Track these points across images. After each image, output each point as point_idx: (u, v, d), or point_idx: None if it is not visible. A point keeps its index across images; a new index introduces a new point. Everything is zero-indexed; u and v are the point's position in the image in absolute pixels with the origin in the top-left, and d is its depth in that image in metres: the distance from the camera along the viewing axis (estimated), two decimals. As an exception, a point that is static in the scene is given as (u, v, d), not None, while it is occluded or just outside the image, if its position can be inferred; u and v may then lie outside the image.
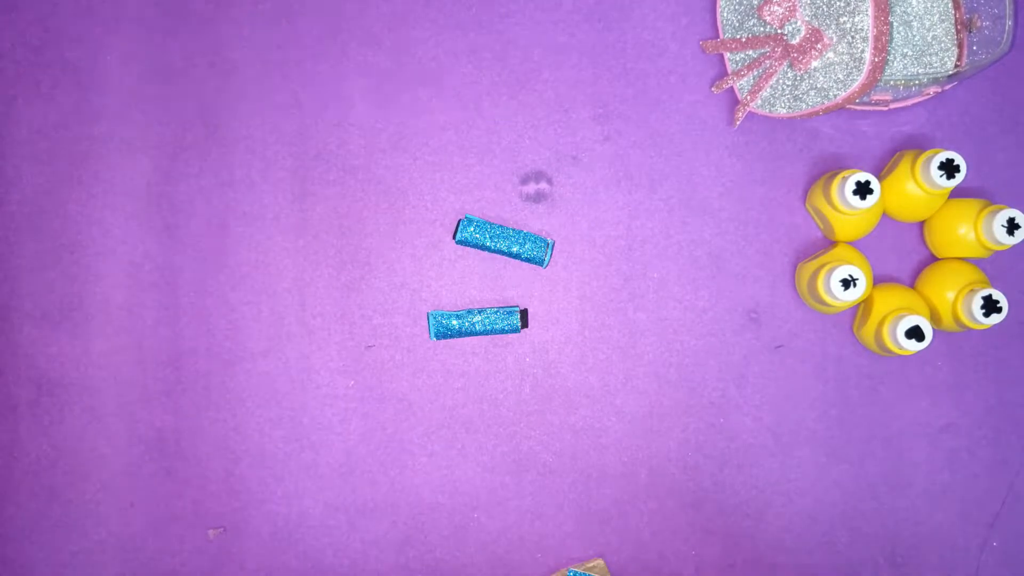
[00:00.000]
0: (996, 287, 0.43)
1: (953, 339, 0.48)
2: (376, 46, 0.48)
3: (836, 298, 0.43)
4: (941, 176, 0.42)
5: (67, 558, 0.46)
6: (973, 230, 0.44)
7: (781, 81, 0.46)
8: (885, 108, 0.47)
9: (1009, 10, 0.44)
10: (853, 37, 0.43)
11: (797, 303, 0.48)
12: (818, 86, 0.45)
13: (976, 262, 0.46)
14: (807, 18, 0.44)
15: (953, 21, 0.45)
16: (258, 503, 0.47)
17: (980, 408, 0.48)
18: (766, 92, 0.46)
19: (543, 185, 0.48)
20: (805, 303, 0.48)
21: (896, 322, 0.43)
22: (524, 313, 0.47)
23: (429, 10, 0.48)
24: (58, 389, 0.47)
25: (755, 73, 0.46)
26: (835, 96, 0.44)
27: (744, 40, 0.46)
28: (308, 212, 0.47)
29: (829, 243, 0.48)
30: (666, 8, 0.48)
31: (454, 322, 0.46)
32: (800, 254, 0.48)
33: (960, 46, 0.45)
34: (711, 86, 0.48)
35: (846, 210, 0.43)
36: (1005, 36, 0.44)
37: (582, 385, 0.48)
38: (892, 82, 0.45)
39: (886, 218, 0.47)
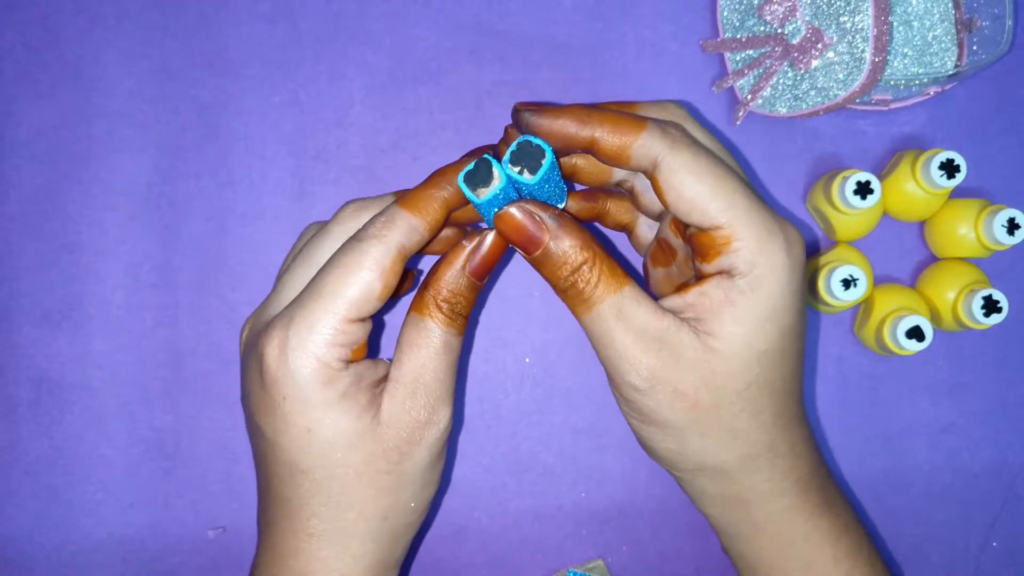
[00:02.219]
0: (996, 287, 0.43)
1: (953, 339, 0.48)
2: (376, 46, 0.48)
3: (836, 298, 0.43)
4: (941, 176, 0.42)
5: (67, 558, 0.46)
6: (973, 230, 0.44)
7: (782, 81, 0.46)
8: (885, 108, 0.47)
9: (1009, 10, 0.44)
10: (853, 37, 0.43)
11: (797, 303, 0.48)
12: (818, 86, 0.45)
13: (976, 262, 0.46)
14: (807, 18, 0.44)
15: (953, 21, 0.45)
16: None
17: (980, 408, 0.48)
18: (767, 92, 0.46)
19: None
20: (805, 303, 0.48)
21: (896, 322, 0.43)
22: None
23: (429, 10, 0.48)
24: (58, 389, 0.47)
25: (756, 73, 0.46)
26: (836, 96, 0.44)
27: (744, 40, 0.46)
28: (308, 212, 0.47)
29: (829, 243, 0.48)
30: (666, 8, 0.48)
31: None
32: (800, 254, 0.48)
33: (960, 46, 0.45)
34: (711, 86, 0.48)
35: (846, 210, 0.43)
36: (1005, 36, 0.44)
37: (582, 385, 0.48)
38: (892, 82, 0.45)
39: (886, 218, 0.47)
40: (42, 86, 0.47)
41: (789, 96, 0.46)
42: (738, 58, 0.47)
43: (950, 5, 0.45)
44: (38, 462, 0.47)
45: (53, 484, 0.47)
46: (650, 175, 0.31)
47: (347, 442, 0.32)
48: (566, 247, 0.31)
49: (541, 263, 0.32)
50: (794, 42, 0.45)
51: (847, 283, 0.43)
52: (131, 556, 0.47)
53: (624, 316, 0.31)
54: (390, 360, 0.35)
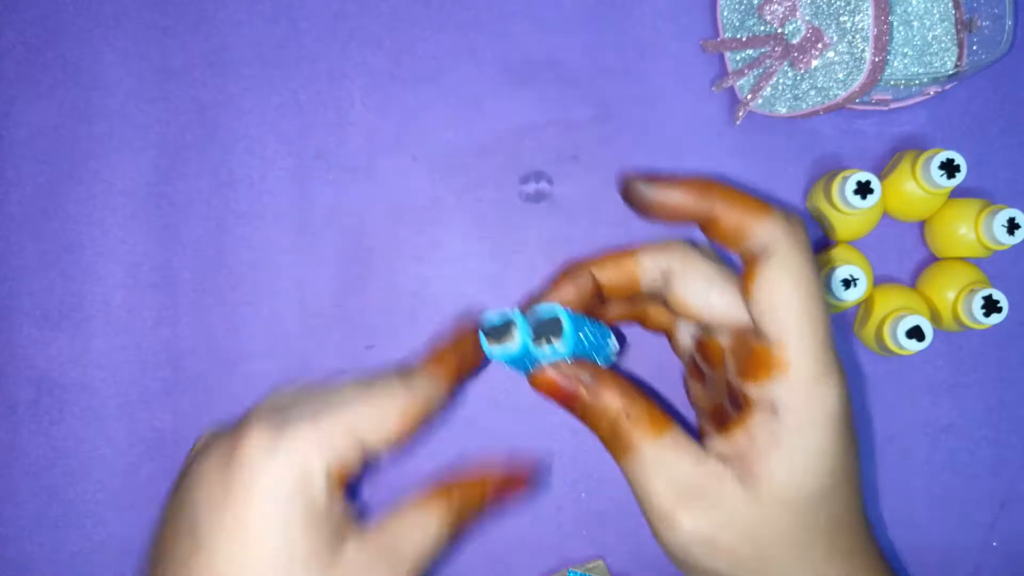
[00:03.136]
0: (996, 287, 0.43)
1: (953, 339, 0.48)
2: (376, 46, 0.48)
3: (836, 298, 0.43)
4: (941, 176, 0.42)
5: (67, 558, 0.46)
6: (973, 230, 0.44)
7: (781, 80, 0.46)
8: (885, 108, 0.47)
9: (1009, 10, 0.44)
10: (853, 36, 0.43)
11: (797, 303, 0.48)
12: (818, 86, 0.45)
13: (976, 262, 0.46)
14: (807, 18, 0.44)
15: (953, 21, 0.45)
16: (258, 503, 0.46)
17: (980, 408, 0.48)
18: (767, 91, 0.46)
19: (543, 185, 0.48)
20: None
21: (896, 322, 0.43)
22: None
23: (429, 10, 0.48)
24: (58, 389, 0.47)
25: (755, 72, 0.46)
26: (835, 96, 0.44)
27: (744, 39, 0.46)
28: (308, 212, 0.47)
29: (829, 243, 0.48)
30: (666, 8, 0.48)
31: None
32: (800, 254, 0.48)
33: (960, 46, 0.45)
34: (711, 86, 0.48)
35: (846, 210, 0.43)
36: (1005, 36, 0.44)
37: (582, 385, 0.48)
38: (892, 82, 0.45)
39: (886, 218, 0.47)
40: (42, 86, 0.47)
41: (789, 96, 0.46)
42: (738, 58, 0.47)
43: (950, 5, 0.45)
44: (38, 462, 0.47)
45: (53, 484, 0.47)
46: (749, 260, 0.30)
47: (290, 571, 0.28)
48: (605, 401, 0.31)
49: (581, 416, 0.32)
50: (794, 42, 0.45)
51: (847, 283, 0.43)
52: (131, 556, 0.47)
53: (662, 465, 0.30)
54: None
